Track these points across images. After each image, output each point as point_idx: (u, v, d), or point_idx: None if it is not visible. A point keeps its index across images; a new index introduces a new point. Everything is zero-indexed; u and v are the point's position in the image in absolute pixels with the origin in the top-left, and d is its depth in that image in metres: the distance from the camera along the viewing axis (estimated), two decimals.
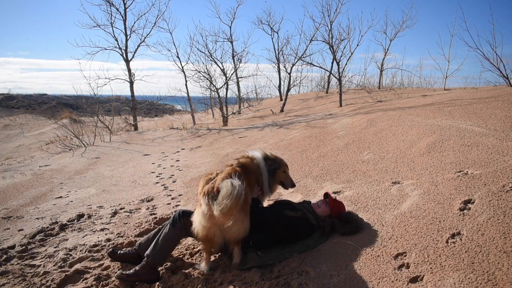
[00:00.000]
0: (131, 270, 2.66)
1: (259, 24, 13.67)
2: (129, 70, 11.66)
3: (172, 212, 3.98)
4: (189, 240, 3.23)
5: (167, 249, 2.75)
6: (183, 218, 2.75)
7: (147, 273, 2.63)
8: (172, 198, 4.55)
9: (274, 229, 2.78)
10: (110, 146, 8.89)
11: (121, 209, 4.33)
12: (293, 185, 3.16)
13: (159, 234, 2.79)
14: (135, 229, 3.64)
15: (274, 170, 3.04)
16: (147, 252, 2.70)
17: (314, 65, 11.68)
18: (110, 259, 3.02)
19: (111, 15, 11.28)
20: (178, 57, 12.64)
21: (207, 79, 12.44)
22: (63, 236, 3.65)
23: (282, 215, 2.82)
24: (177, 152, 7.55)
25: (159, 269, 2.75)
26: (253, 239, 2.78)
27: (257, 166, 2.99)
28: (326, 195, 3.07)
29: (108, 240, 3.44)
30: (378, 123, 5.76)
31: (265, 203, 3.16)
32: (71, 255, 3.17)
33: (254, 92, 15.90)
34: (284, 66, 13.51)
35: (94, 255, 3.15)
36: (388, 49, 12.83)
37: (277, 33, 13.63)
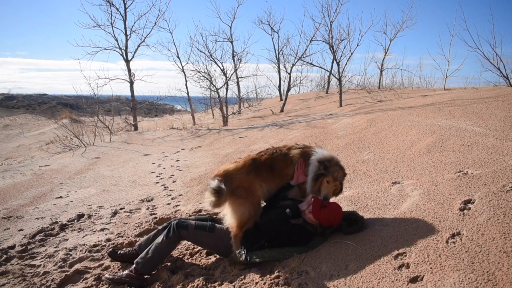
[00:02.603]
0: (119, 274, 2.72)
1: (259, 24, 13.71)
2: (129, 70, 11.66)
3: (172, 213, 3.98)
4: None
5: (157, 260, 2.76)
6: (177, 231, 2.78)
7: (133, 278, 2.68)
8: (172, 198, 4.55)
9: (277, 235, 2.76)
10: (110, 146, 8.89)
11: (121, 209, 4.33)
12: (325, 198, 2.84)
13: (152, 244, 2.80)
14: (135, 229, 3.64)
15: (318, 176, 2.84)
16: (138, 259, 2.73)
17: (314, 65, 11.70)
18: (110, 259, 3.03)
19: (111, 15, 11.28)
20: (178, 57, 12.67)
21: (207, 79, 12.46)
22: (63, 236, 3.65)
23: (289, 223, 2.78)
24: (177, 152, 7.55)
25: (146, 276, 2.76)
26: (255, 246, 2.77)
27: (291, 159, 2.93)
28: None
29: (108, 240, 3.44)
30: (378, 123, 5.76)
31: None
32: (71, 255, 3.18)
33: (254, 92, 15.92)
34: (284, 66, 13.55)
35: (94, 255, 3.15)
36: (388, 49, 12.87)
37: (277, 33, 13.66)
